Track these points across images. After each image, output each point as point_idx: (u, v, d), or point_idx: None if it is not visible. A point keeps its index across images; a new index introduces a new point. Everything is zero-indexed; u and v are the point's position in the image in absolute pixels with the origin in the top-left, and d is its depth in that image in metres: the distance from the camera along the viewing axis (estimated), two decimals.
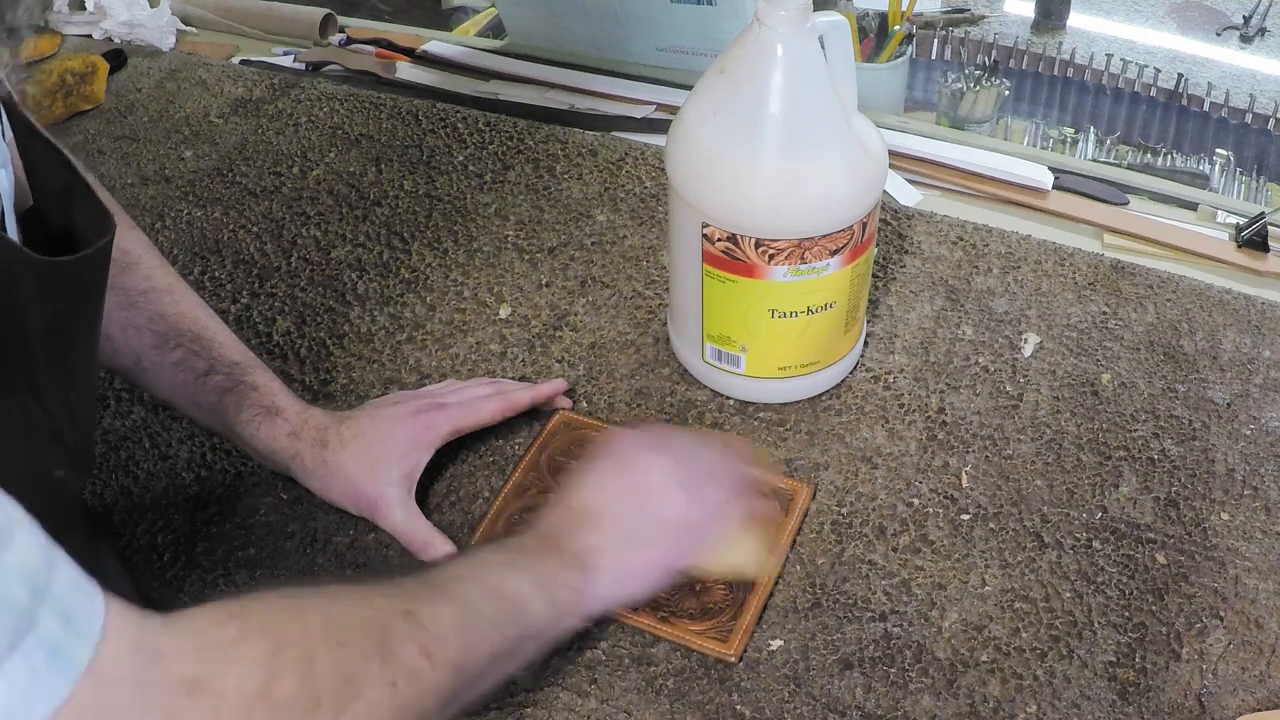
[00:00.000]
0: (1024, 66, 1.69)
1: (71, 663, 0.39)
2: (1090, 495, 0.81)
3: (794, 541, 0.79)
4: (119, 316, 0.74)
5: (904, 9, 1.44)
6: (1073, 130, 1.66)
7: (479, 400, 0.84)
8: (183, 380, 0.76)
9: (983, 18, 1.75)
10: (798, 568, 0.77)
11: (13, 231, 0.54)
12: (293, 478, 0.80)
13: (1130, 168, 1.42)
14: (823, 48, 0.76)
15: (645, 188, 1.11)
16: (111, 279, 0.67)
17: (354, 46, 1.40)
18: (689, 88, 0.82)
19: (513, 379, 0.91)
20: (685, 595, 0.75)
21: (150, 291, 0.76)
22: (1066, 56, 1.67)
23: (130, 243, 0.76)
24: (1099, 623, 0.74)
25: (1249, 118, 1.57)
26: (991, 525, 0.80)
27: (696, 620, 0.74)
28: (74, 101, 1.27)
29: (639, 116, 1.23)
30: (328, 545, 0.80)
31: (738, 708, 0.70)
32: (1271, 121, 1.55)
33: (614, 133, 1.21)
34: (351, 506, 0.78)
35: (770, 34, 0.74)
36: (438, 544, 0.76)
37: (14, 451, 0.54)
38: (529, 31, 1.39)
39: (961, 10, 1.75)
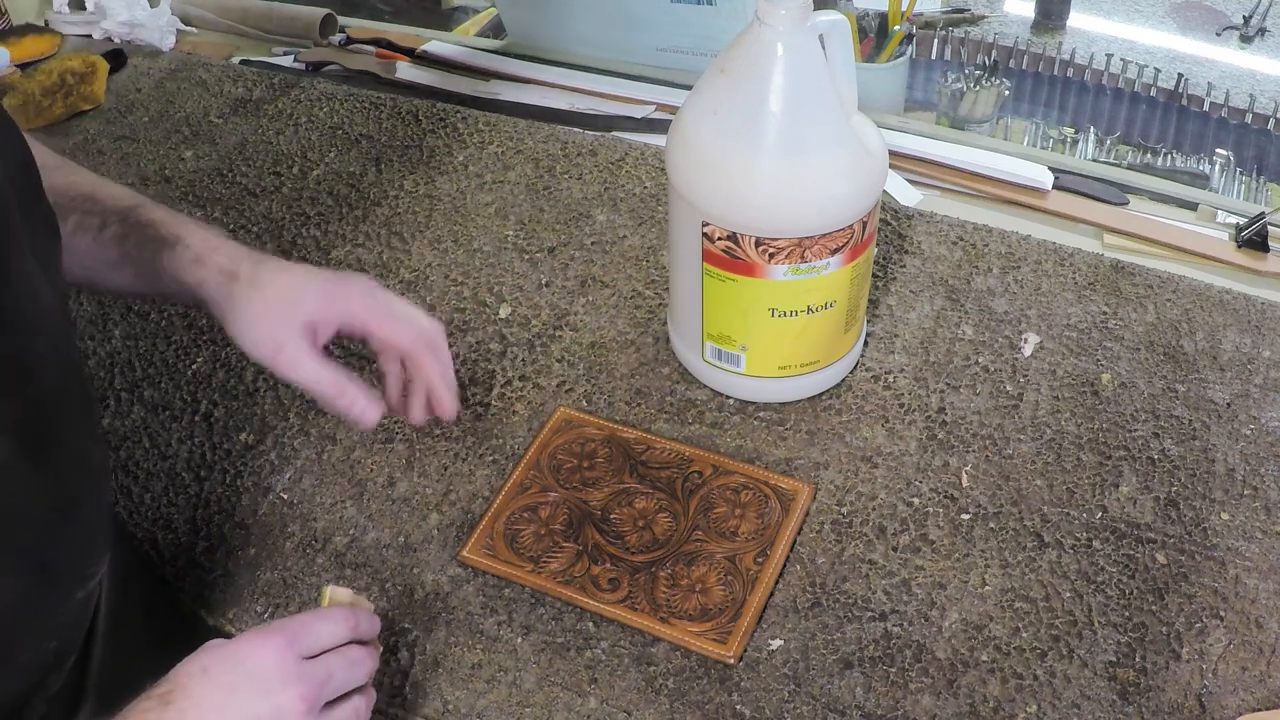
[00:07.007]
0: (1024, 66, 1.69)
1: None
2: (1090, 495, 0.81)
3: (794, 541, 0.79)
4: None
5: (904, 9, 1.44)
6: (1073, 130, 1.65)
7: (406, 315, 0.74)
8: (85, 246, 0.71)
9: (983, 18, 1.74)
10: (798, 567, 0.77)
11: None
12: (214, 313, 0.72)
13: (1130, 168, 1.42)
14: (823, 47, 0.76)
15: (645, 188, 1.11)
16: None
17: (354, 46, 1.40)
18: (689, 88, 0.82)
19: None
20: (685, 596, 0.75)
21: (39, 171, 0.70)
22: (1066, 56, 1.67)
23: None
24: (1099, 623, 0.74)
25: (1249, 118, 1.56)
26: (991, 525, 0.80)
27: (696, 621, 0.74)
28: (74, 101, 1.26)
29: (639, 116, 1.23)
30: (327, 545, 0.80)
31: (738, 708, 0.70)
32: (1271, 121, 1.55)
33: (614, 133, 1.21)
34: (252, 348, 0.70)
35: (771, 33, 0.74)
36: (352, 391, 0.70)
37: None
38: (529, 31, 1.39)
39: (961, 10, 1.74)
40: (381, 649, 0.66)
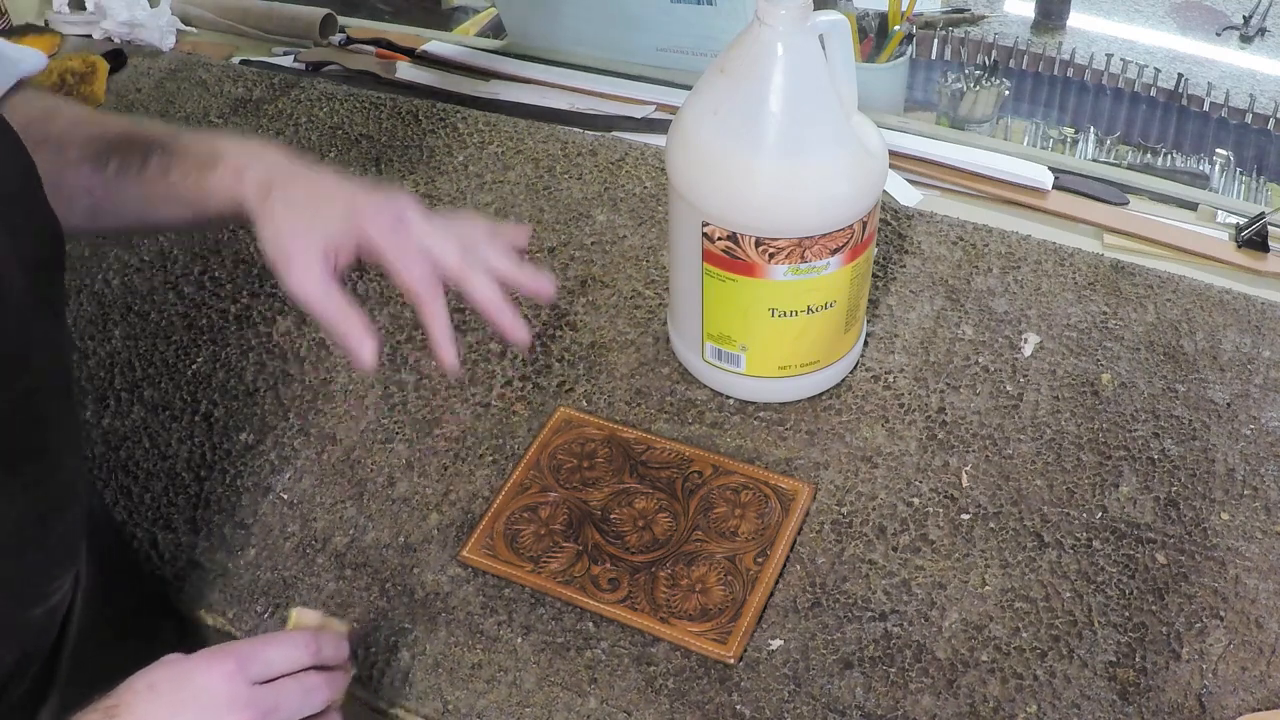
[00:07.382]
0: (1024, 66, 1.69)
1: None
2: (1090, 495, 0.81)
3: (794, 541, 0.79)
4: (56, 162, 0.69)
5: (904, 9, 1.44)
6: (1073, 130, 1.65)
7: (457, 237, 0.68)
8: (130, 188, 0.69)
9: (983, 18, 1.74)
10: (798, 567, 0.77)
11: None
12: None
13: (1130, 168, 1.42)
14: (823, 47, 0.76)
15: (645, 188, 1.11)
16: (41, 131, 0.66)
17: (354, 46, 1.40)
18: (689, 88, 0.82)
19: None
20: (685, 596, 0.75)
21: (75, 125, 0.72)
22: (1066, 56, 1.67)
23: (47, 99, 0.73)
24: (1099, 623, 0.74)
25: (1249, 118, 1.56)
26: (991, 525, 0.80)
27: (696, 621, 0.74)
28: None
29: (639, 116, 1.23)
30: (327, 545, 0.80)
31: (738, 708, 0.70)
32: (1271, 121, 1.55)
33: (614, 133, 1.21)
34: (270, 259, 0.67)
35: (771, 33, 0.74)
36: (353, 321, 0.65)
37: None
38: (529, 31, 1.39)
39: (961, 10, 1.74)
40: (353, 672, 0.64)
